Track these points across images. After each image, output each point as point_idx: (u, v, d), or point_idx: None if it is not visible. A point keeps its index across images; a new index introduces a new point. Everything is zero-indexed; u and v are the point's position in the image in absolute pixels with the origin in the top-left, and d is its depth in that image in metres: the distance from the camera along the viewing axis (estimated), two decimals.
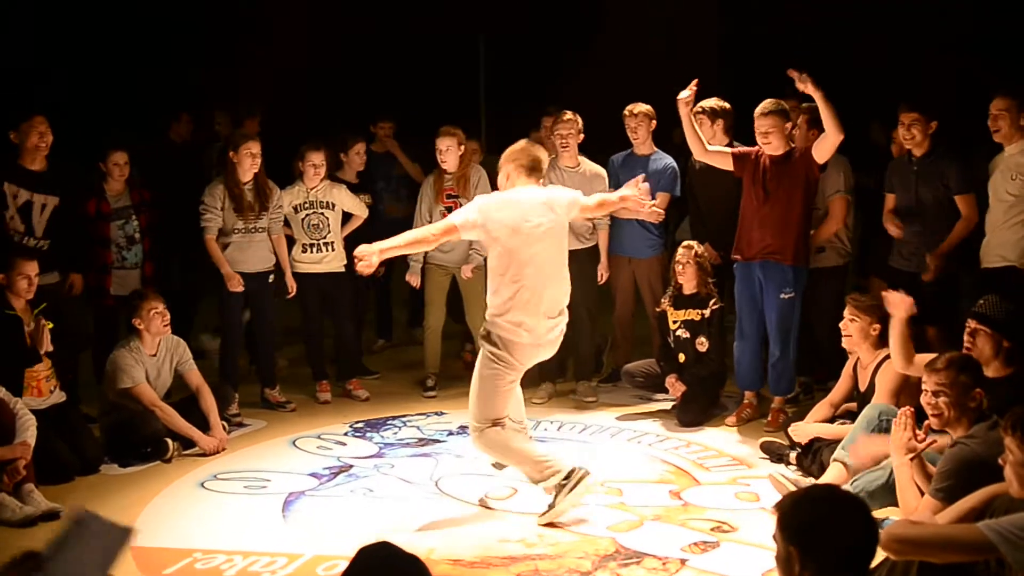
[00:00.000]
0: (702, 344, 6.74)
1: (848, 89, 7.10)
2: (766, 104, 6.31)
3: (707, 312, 6.72)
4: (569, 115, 7.06)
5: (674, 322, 6.83)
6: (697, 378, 6.70)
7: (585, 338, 7.20)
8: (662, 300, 6.94)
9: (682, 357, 6.80)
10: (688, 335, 6.78)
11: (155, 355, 6.32)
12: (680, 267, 6.74)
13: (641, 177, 5.54)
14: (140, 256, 6.91)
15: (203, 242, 6.78)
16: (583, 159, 7.15)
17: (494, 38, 13.95)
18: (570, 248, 6.88)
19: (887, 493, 4.79)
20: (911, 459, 4.32)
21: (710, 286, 6.75)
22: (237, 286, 6.75)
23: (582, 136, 7.09)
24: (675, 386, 6.71)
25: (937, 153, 6.16)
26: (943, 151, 6.16)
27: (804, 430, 5.64)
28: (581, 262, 6.99)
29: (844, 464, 5.06)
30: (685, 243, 6.83)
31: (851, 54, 12.34)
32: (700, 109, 6.90)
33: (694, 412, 6.60)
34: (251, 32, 12.92)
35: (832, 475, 5.08)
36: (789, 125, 6.36)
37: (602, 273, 7.23)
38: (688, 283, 6.74)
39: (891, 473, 4.68)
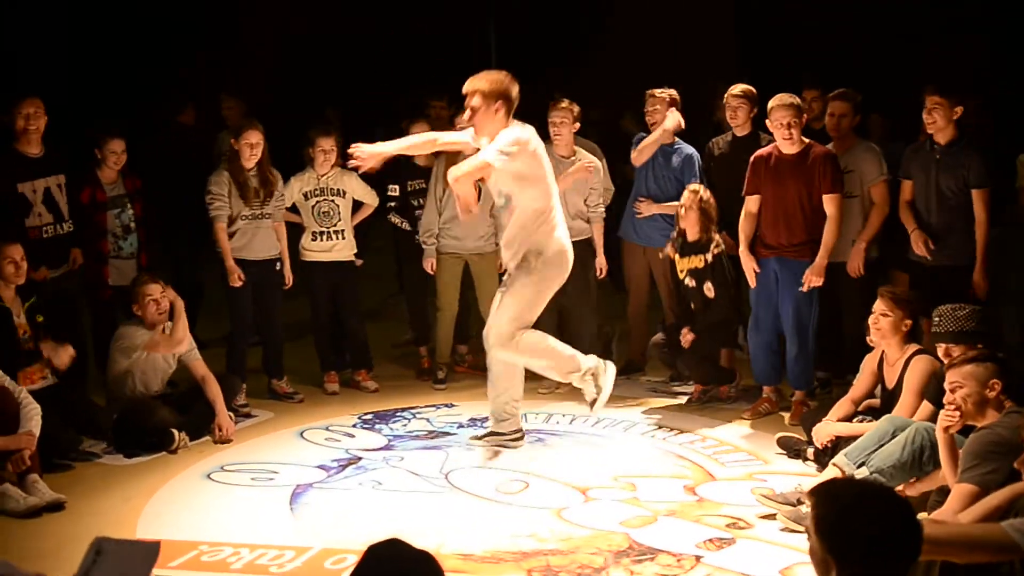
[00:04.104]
0: (709, 290, 6.63)
1: (856, 80, 7.00)
2: (786, 96, 6.21)
3: (709, 257, 6.60)
4: (564, 103, 6.88)
5: (681, 271, 6.73)
6: (707, 326, 6.63)
7: (586, 326, 7.09)
8: (667, 246, 6.82)
9: (692, 305, 6.72)
10: (694, 283, 6.67)
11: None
12: (683, 211, 6.61)
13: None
14: (136, 245, 6.83)
15: (212, 231, 6.73)
16: (579, 149, 7.03)
17: (503, 26, 13.86)
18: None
19: (903, 471, 4.88)
20: (946, 432, 4.43)
21: (712, 231, 6.63)
22: (237, 281, 6.72)
23: (578, 125, 6.95)
24: (686, 338, 6.66)
25: (962, 143, 6.02)
26: (968, 141, 6.02)
27: (825, 431, 5.52)
28: (579, 252, 6.85)
29: (842, 470, 4.98)
30: (691, 187, 6.70)
31: (859, 46, 12.25)
32: (740, 93, 6.82)
33: (703, 368, 6.68)
34: (253, 15, 12.90)
35: (827, 478, 4.99)
36: (805, 117, 6.28)
37: (600, 268, 7.13)
38: (691, 229, 6.62)
39: (904, 447, 4.84)
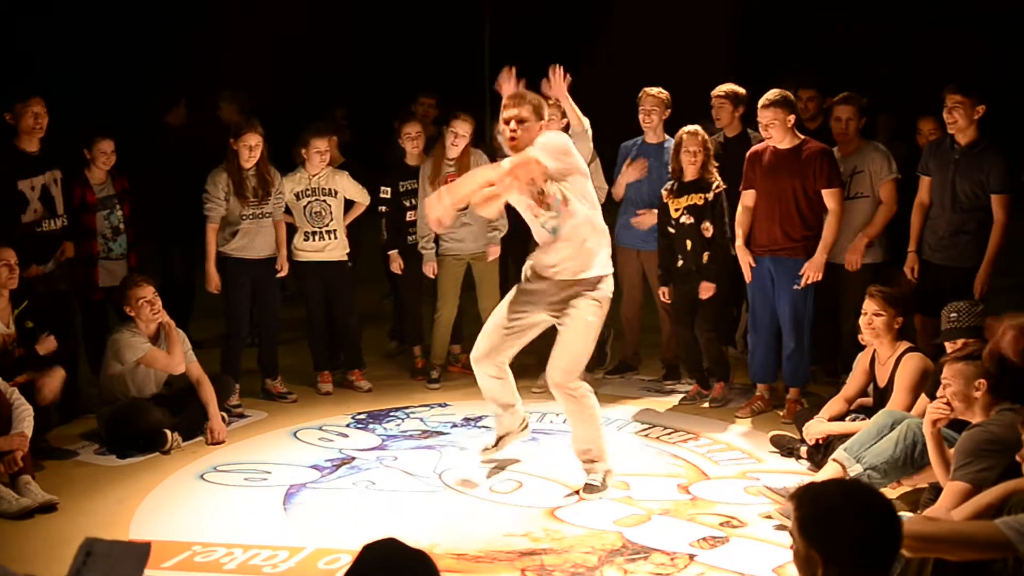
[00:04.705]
0: (707, 229, 6.57)
1: (861, 80, 6.98)
2: (768, 95, 6.20)
3: (710, 196, 6.53)
4: (553, 100, 6.86)
5: (676, 210, 6.64)
6: (714, 270, 6.59)
7: None
8: (662, 190, 6.74)
9: (689, 244, 6.63)
10: (692, 220, 6.59)
11: (156, 341, 6.24)
12: (692, 157, 6.49)
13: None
14: (125, 246, 6.81)
15: (204, 230, 6.73)
16: None
17: (499, 23, 13.87)
18: None
19: (897, 467, 4.92)
20: (933, 426, 4.47)
21: (711, 170, 6.57)
22: (213, 289, 6.77)
23: (566, 121, 6.92)
24: (706, 287, 6.62)
25: (983, 145, 5.95)
26: (989, 144, 5.95)
27: (817, 429, 5.53)
28: None
29: (842, 465, 4.99)
30: (689, 129, 6.56)
31: (860, 46, 12.27)
32: (722, 94, 6.83)
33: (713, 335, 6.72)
34: (249, 15, 12.91)
35: (828, 474, 5.01)
36: (792, 117, 6.21)
37: None
38: (692, 169, 6.54)
39: (896, 444, 4.88)
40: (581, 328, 5.22)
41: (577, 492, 5.32)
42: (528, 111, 5.13)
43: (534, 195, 5.19)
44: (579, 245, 5.19)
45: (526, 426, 5.79)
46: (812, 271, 6.23)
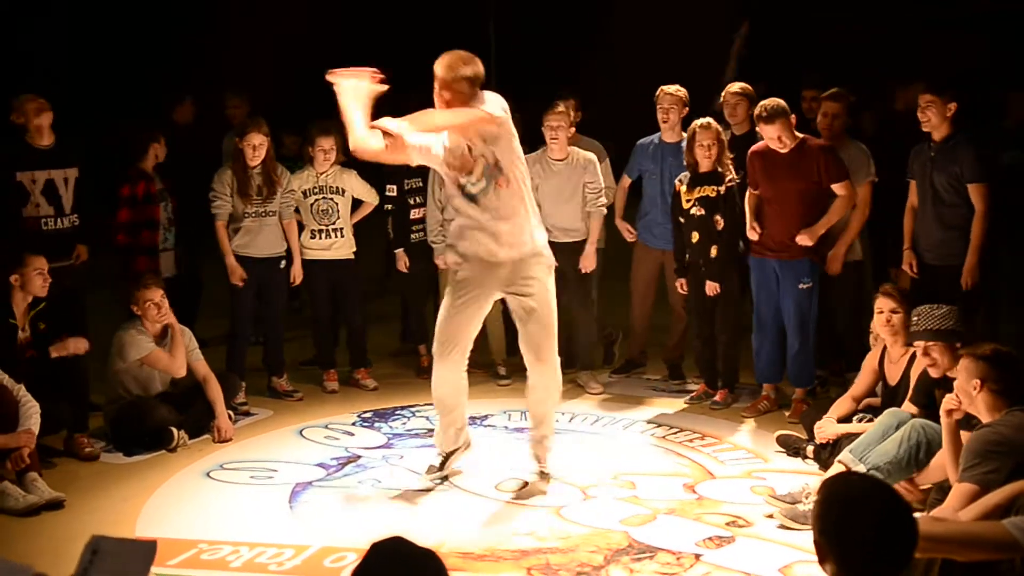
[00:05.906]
0: (719, 222, 6.52)
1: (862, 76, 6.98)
2: (767, 108, 6.14)
3: (722, 189, 6.49)
4: (560, 107, 6.80)
5: (687, 201, 6.59)
6: (721, 263, 6.54)
7: (582, 329, 7.07)
8: (676, 182, 6.70)
9: (696, 236, 6.58)
10: (703, 212, 6.53)
11: (161, 341, 6.24)
12: (706, 151, 6.45)
13: None
14: (174, 239, 6.99)
15: (213, 229, 6.74)
16: (573, 148, 6.94)
17: (502, 23, 13.86)
18: (557, 240, 6.54)
19: (900, 467, 4.91)
20: (948, 416, 4.45)
21: (726, 163, 6.52)
22: (238, 280, 6.75)
23: (573, 129, 6.90)
24: (711, 286, 6.61)
25: (956, 139, 5.98)
26: (961, 137, 5.98)
27: (831, 430, 5.52)
28: (568, 257, 6.73)
29: (847, 467, 4.98)
30: (702, 122, 6.50)
31: (860, 45, 12.26)
32: (740, 91, 6.84)
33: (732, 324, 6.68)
34: (249, 15, 12.92)
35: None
36: (793, 120, 6.19)
37: (584, 264, 6.97)
38: (707, 162, 6.49)
39: (900, 444, 4.89)
40: (550, 298, 5.21)
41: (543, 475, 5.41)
42: (467, 87, 4.86)
43: (461, 154, 4.98)
44: (518, 218, 5.07)
45: (469, 444, 5.64)
46: (807, 237, 6.21)
